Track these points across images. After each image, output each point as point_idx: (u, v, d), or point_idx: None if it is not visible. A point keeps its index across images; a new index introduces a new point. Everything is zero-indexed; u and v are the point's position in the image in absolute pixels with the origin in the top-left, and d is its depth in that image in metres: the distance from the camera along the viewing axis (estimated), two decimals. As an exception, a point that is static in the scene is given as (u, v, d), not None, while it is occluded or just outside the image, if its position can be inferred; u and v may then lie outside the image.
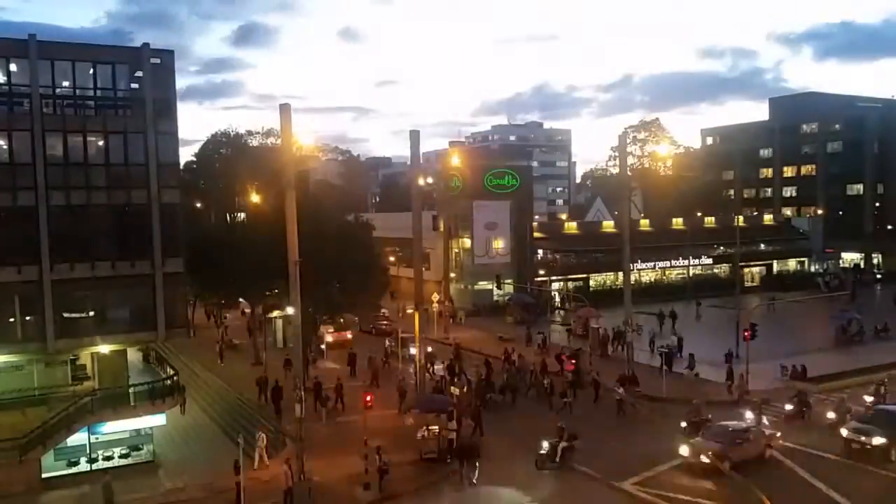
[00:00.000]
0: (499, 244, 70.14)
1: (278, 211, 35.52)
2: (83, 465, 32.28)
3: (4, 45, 32.70)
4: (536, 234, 74.02)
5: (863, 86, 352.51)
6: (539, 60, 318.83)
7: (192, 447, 35.33)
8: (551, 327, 56.60)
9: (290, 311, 36.19)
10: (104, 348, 35.00)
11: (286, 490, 26.63)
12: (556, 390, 38.53)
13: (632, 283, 46.76)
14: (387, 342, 49.67)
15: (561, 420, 32.20)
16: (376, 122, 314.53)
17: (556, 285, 71.70)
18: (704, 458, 28.15)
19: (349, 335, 54.33)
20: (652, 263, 77.07)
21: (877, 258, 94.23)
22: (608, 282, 74.25)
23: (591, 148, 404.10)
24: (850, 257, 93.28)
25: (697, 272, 79.69)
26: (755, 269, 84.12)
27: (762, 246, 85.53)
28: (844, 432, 30.80)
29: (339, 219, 49.37)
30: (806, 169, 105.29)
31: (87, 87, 34.55)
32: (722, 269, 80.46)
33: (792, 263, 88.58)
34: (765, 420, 33.18)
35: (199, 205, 68.02)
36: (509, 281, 66.16)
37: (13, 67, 33.11)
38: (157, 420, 33.46)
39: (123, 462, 33.11)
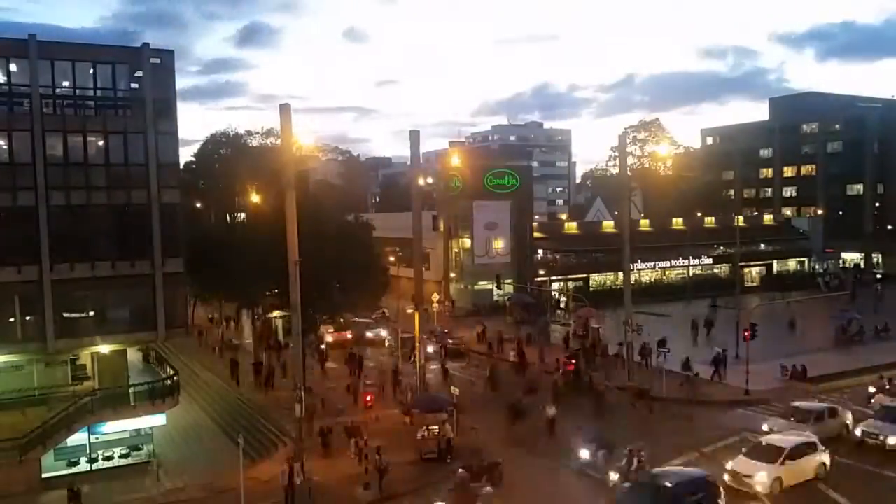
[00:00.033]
0: (499, 244, 70.15)
1: (278, 211, 35.54)
2: (83, 465, 32.32)
3: (4, 45, 32.73)
4: (536, 234, 74.02)
5: (864, 86, 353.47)
6: (540, 61, 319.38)
7: (192, 447, 35.36)
8: (551, 327, 56.56)
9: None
10: (104, 348, 35.00)
11: (286, 489, 26.67)
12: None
13: (632, 283, 46.71)
14: (386, 342, 49.73)
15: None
16: (377, 122, 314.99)
17: (556, 285, 71.67)
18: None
19: (349, 335, 54.37)
20: (652, 263, 77.04)
21: (877, 258, 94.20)
22: (608, 282, 74.18)
23: (591, 148, 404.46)
24: (850, 257, 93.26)
25: (697, 272, 79.67)
26: (755, 269, 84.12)
27: (762, 246, 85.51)
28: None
29: (339, 219, 49.40)
30: (806, 169, 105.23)
31: (87, 87, 34.59)
32: (722, 269, 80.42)
33: (792, 263, 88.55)
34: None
35: (199, 205, 68.04)
36: (509, 281, 66.15)
37: (13, 67, 33.14)
38: (157, 420, 33.49)
39: (123, 462, 33.16)
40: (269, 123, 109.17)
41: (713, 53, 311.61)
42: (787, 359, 42.51)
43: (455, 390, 36.13)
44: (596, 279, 74.46)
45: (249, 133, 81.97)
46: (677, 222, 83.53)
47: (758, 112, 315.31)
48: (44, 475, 30.83)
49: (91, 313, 34.80)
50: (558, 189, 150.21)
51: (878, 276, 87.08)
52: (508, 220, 70.29)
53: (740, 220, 75.18)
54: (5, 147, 32.99)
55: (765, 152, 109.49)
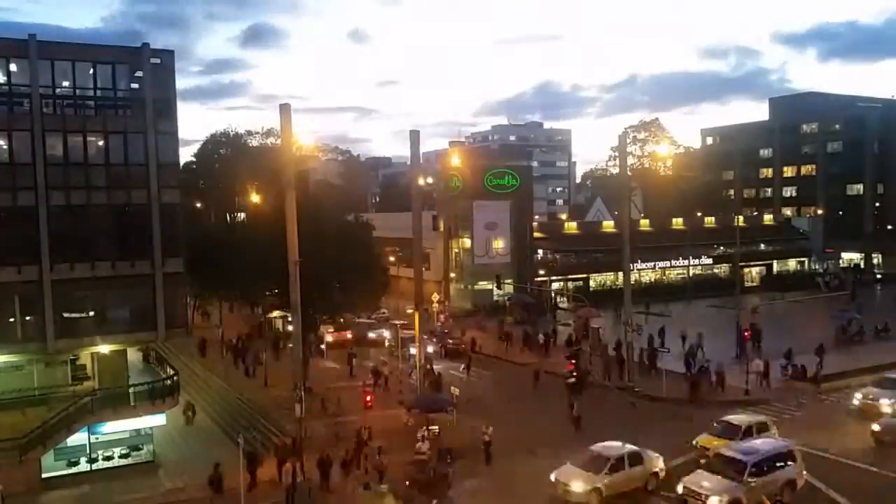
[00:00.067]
0: (499, 244, 70.15)
1: (278, 211, 35.57)
2: (83, 465, 32.30)
3: (4, 45, 32.68)
4: (536, 234, 74.03)
5: (866, 87, 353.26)
6: (542, 61, 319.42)
7: (192, 447, 35.31)
8: (551, 327, 56.54)
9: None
10: (104, 348, 34.98)
11: (288, 489, 26.69)
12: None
13: (632, 283, 46.71)
14: (386, 342, 49.66)
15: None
16: (378, 122, 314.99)
17: (556, 285, 71.69)
18: None
19: (349, 335, 54.38)
20: (652, 263, 77.06)
21: (877, 258, 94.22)
22: (608, 282, 74.22)
23: (592, 148, 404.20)
24: (850, 257, 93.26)
25: (697, 272, 79.70)
26: (755, 269, 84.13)
27: (762, 246, 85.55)
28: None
29: (339, 219, 49.38)
30: (806, 169, 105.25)
31: (87, 87, 34.52)
32: (722, 269, 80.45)
33: (792, 263, 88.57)
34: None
35: (199, 205, 68.11)
36: (509, 281, 66.15)
37: (13, 67, 33.10)
38: (157, 420, 33.47)
39: (123, 462, 33.14)
40: (269, 123, 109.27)
41: (715, 53, 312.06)
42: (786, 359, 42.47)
43: (455, 390, 36.16)
44: (596, 279, 74.49)
45: (249, 133, 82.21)
46: (677, 222, 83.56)
47: (759, 112, 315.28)
48: (44, 475, 30.80)
49: (91, 313, 34.75)
50: (558, 189, 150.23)
51: (878, 276, 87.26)
52: (508, 220, 70.30)
53: (740, 220, 75.20)
54: (5, 147, 32.94)
55: (765, 152, 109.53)
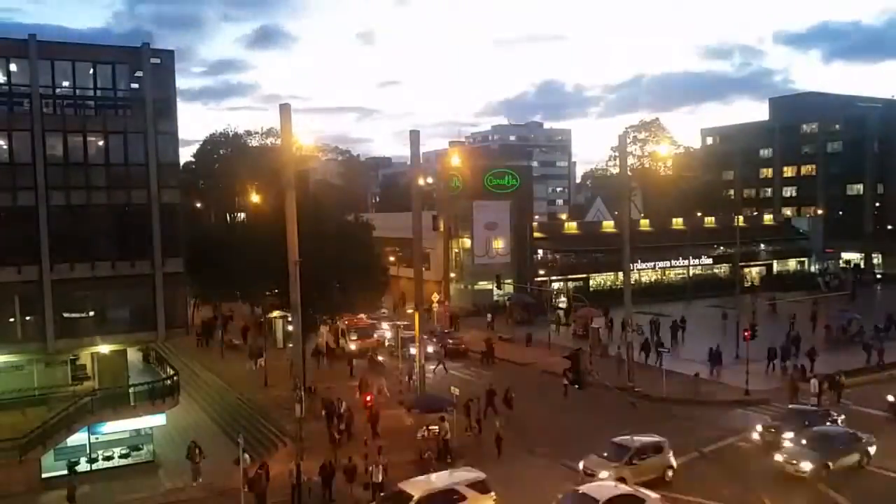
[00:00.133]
0: (499, 244, 70.12)
1: (278, 211, 35.56)
2: (83, 465, 32.31)
3: (4, 45, 32.75)
4: (536, 234, 73.97)
5: (869, 87, 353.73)
6: (544, 61, 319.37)
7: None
8: (551, 327, 56.50)
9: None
10: (104, 348, 35.02)
11: (293, 488, 26.71)
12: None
13: (632, 283, 46.69)
14: (386, 342, 49.42)
15: None
16: (379, 122, 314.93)
17: (556, 285, 71.66)
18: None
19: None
20: (652, 263, 76.98)
21: (877, 258, 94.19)
22: (608, 282, 74.17)
23: (592, 148, 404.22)
24: (850, 257, 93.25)
25: (697, 272, 79.65)
26: (755, 269, 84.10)
27: (762, 246, 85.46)
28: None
29: (338, 219, 49.37)
30: (806, 169, 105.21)
31: (87, 87, 34.58)
32: (722, 269, 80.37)
33: (792, 263, 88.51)
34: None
35: (199, 205, 68.13)
36: (509, 281, 66.12)
37: (13, 67, 33.15)
38: (157, 420, 33.50)
39: (123, 462, 33.16)
40: (269, 123, 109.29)
41: (719, 53, 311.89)
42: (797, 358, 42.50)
43: (455, 390, 36.11)
44: (596, 279, 74.44)
45: (249, 133, 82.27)
46: (677, 222, 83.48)
47: (763, 113, 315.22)
48: (44, 475, 30.83)
49: (91, 313, 34.81)
50: (558, 189, 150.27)
51: (878, 275, 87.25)
52: (508, 220, 70.25)
53: (740, 220, 75.11)
54: (5, 147, 33.00)
55: (765, 152, 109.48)
